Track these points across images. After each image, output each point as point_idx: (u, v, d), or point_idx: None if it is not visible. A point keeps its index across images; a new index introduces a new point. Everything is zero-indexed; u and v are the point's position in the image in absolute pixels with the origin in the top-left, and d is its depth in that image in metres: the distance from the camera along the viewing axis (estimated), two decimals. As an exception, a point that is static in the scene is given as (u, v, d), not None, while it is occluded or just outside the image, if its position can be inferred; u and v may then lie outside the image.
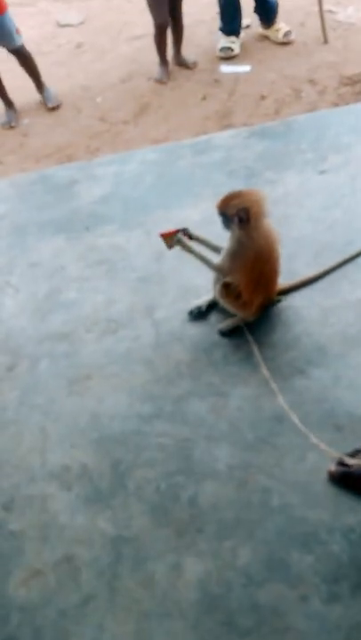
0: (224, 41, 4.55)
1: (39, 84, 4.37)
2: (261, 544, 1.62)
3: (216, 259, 2.11)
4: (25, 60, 4.22)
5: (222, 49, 4.53)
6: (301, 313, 2.14)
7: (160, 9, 4.22)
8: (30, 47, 4.23)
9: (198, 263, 2.13)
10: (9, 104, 4.36)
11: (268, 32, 4.62)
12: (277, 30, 4.54)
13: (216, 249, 2.14)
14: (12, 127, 4.29)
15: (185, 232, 2.13)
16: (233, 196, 2.00)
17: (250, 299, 2.08)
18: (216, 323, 2.18)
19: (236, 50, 4.54)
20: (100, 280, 2.46)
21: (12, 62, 4.27)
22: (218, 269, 2.12)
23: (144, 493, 1.78)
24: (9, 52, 4.18)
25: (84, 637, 1.55)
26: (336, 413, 1.85)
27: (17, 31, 4.07)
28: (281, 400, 1.88)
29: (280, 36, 4.53)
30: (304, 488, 1.70)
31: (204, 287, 2.32)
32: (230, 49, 4.51)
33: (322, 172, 2.68)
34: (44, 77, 4.31)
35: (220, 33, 4.63)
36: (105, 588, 1.62)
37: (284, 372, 1.96)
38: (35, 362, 2.21)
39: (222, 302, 2.15)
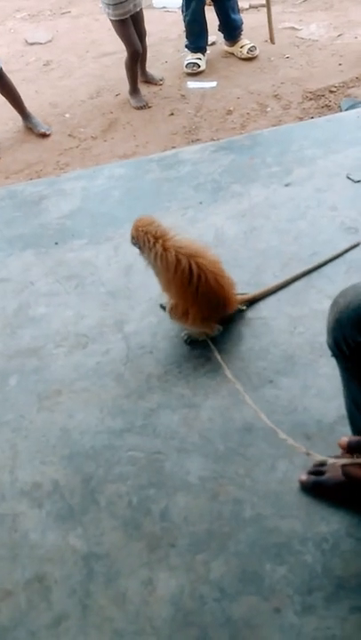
0: (190, 57, 4.61)
1: (23, 112, 4.31)
2: (234, 556, 1.61)
3: None
4: (3, 83, 4.18)
5: (188, 65, 4.60)
6: (270, 323, 2.15)
7: (131, 37, 4.23)
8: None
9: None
10: None
11: (233, 49, 4.70)
12: (242, 47, 4.62)
13: None
14: None
15: None
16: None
17: (193, 314, 2.04)
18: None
19: (203, 66, 4.61)
20: (69, 295, 2.45)
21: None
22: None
23: (116, 508, 1.76)
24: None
25: (56, 658, 1.52)
26: (306, 422, 1.85)
27: None
28: (248, 400, 1.87)
29: (245, 51, 4.61)
30: (275, 498, 1.70)
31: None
32: (196, 65, 4.57)
33: (287, 185, 2.72)
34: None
35: (186, 50, 4.70)
36: (77, 607, 1.59)
37: (253, 383, 1.96)
38: (4, 378, 2.19)
39: (174, 321, 2.14)
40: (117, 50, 4.85)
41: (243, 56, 4.62)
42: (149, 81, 4.60)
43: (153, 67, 4.79)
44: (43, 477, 1.87)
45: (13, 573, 1.68)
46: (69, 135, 4.25)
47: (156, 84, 4.56)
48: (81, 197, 2.95)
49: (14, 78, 4.21)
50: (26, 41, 5.52)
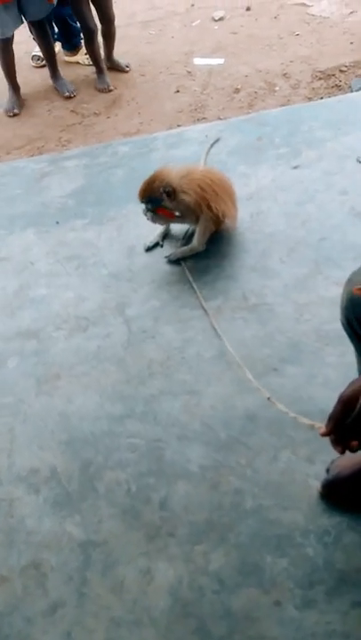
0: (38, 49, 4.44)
1: (54, 69, 4.21)
2: (234, 548, 1.58)
3: None
4: (44, 32, 4.04)
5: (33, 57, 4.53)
6: (276, 310, 2.11)
7: (83, 15, 4.07)
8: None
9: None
10: (16, 88, 4.24)
11: (77, 58, 4.57)
12: (86, 53, 4.46)
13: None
14: (15, 114, 4.19)
15: None
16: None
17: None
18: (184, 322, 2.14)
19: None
20: (70, 276, 2.40)
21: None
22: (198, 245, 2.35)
23: (114, 496, 1.73)
24: (31, 23, 3.98)
25: (51, 646, 1.50)
26: (310, 411, 1.79)
27: None
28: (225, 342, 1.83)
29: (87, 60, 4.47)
30: (277, 489, 1.67)
31: (176, 282, 2.29)
32: (39, 57, 4.48)
33: (295, 167, 2.65)
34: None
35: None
36: (73, 595, 1.57)
37: (257, 370, 1.92)
38: (3, 360, 2.15)
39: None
40: (121, 24, 4.73)
41: (86, 63, 4.49)
42: (115, 67, 4.44)
43: (159, 42, 4.67)
44: (40, 463, 1.84)
45: (9, 559, 1.65)
46: (72, 111, 4.16)
47: (122, 72, 4.43)
48: (83, 175, 2.89)
49: (16, 50, 4.10)
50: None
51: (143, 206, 2.28)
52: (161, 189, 2.21)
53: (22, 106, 4.23)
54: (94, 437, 1.87)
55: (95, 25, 4.12)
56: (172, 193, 2.22)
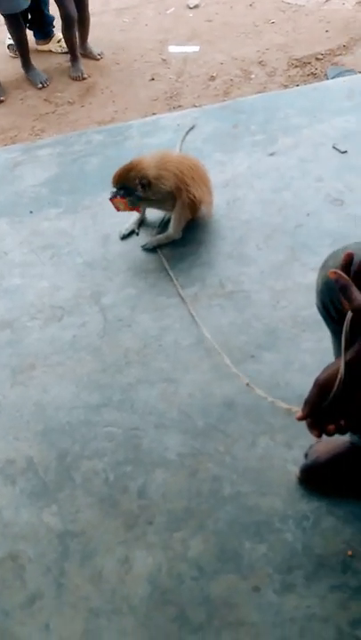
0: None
1: (26, 60, 4.15)
2: (213, 534, 1.58)
3: None
4: (17, 23, 4.01)
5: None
6: (252, 297, 2.10)
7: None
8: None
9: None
10: None
11: (50, 46, 4.52)
12: (59, 41, 4.43)
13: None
14: (1, 101, 4.12)
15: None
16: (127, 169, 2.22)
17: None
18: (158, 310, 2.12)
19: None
20: (45, 265, 2.36)
21: None
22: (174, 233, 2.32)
23: (92, 485, 1.72)
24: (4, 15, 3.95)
25: (30, 639, 1.48)
26: (287, 397, 1.77)
27: None
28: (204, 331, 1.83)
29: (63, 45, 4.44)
30: (256, 475, 1.67)
31: (152, 270, 2.27)
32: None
33: (271, 154, 2.64)
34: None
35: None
36: (51, 586, 1.55)
37: (235, 357, 1.91)
38: (-24, 351, 2.11)
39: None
40: (94, 11, 4.68)
41: (59, 50, 4.45)
42: (87, 55, 4.40)
43: (133, 29, 4.62)
44: (16, 453, 1.82)
45: (-14, 552, 1.63)
46: (45, 100, 4.10)
47: (94, 59, 4.39)
48: (57, 164, 2.85)
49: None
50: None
51: (113, 190, 2.24)
52: (137, 180, 2.18)
53: (4, 92, 4.17)
54: (71, 427, 1.85)
55: (75, 12, 4.06)
56: (146, 185, 2.19)
